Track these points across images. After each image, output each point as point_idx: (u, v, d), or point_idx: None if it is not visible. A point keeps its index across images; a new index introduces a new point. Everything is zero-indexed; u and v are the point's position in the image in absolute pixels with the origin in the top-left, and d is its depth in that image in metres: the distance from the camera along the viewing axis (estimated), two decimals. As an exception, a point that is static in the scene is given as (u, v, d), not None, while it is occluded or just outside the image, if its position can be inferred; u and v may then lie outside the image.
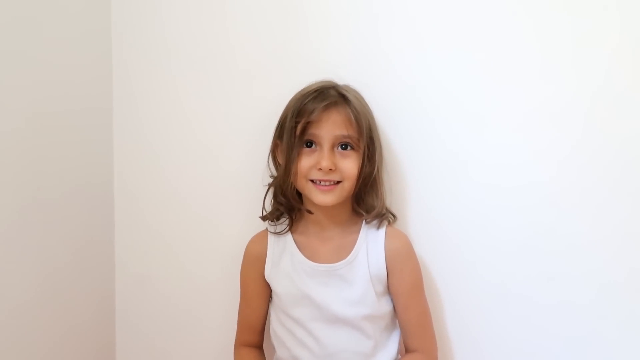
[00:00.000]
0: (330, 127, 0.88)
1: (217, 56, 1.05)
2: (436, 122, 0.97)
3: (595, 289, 0.91)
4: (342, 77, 0.94)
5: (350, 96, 0.90)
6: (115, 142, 1.10)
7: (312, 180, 0.90)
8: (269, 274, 0.95)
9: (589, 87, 0.89)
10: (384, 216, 0.94)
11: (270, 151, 0.96)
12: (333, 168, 0.88)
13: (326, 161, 0.87)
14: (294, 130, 0.88)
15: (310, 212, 0.93)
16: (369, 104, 0.94)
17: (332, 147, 0.89)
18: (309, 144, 0.90)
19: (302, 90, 0.92)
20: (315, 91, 0.89)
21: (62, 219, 0.99)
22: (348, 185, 0.90)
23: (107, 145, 1.10)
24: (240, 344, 1.00)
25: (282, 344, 0.94)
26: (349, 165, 0.89)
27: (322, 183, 0.89)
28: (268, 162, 0.97)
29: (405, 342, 0.95)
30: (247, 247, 0.98)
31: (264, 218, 0.98)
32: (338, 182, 0.90)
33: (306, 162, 0.89)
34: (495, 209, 0.95)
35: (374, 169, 0.91)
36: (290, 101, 0.92)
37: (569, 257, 0.92)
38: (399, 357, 0.95)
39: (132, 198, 1.11)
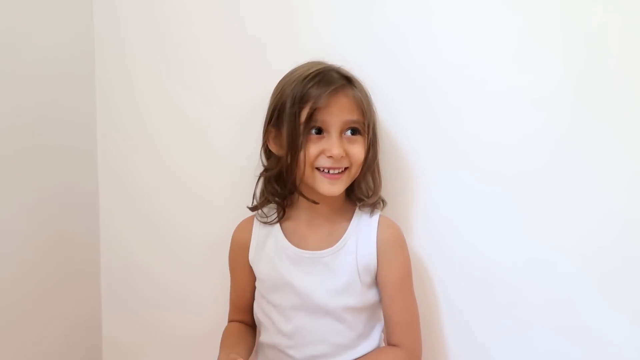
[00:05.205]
0: (339, 112, 0.84)
1: (201, 41, 1.03)
2: (423, 106, 0.96)
3: (588, 279, 0.90)
4: (326, 58, 0.90)
5: (353, 79, 0.87)
6: (99, 128, 1.09)
7: (317, 168, 0.86)
8: (253, 258, 0.93)
9: (575, 70, 0.88)
10: (377, 203, 0.92)
11: (264, 138, 0.91)
12: (344, 155, 0.85)
13: (337, 149, 0.84)
14: (298, 116, 0.84)
15: (316, 202, 0.89)
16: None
17: (341, 133, 0.86)
18: (317, 130, 0.85)
19: (296, 72, 0.87)
20: (316, 74, 0.84)
21: (46, 204, 0.98)
22: (354, 172, 0.88)
23: (90, 134, 1.09)
24: (231, 320, 1.00)
25: (264, 328, 0.93)
26: (358, 150, 0.87)
27: (332, 171, 0.86)
28: (260, 152, 0.93)
29: (387, 336, 0.91)
30: (233, 235, 0.97)
31: (253, 209, 0.95)
32: (345, 169, 0.87)
33: (314, 149, 0.84)
34: (485, 194, 0.94)
35: (376, 153, 0.90)
36: (286, 85, 0.86)
37: (558, 244, 0.91)
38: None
39: (117, 186, 1.10)
